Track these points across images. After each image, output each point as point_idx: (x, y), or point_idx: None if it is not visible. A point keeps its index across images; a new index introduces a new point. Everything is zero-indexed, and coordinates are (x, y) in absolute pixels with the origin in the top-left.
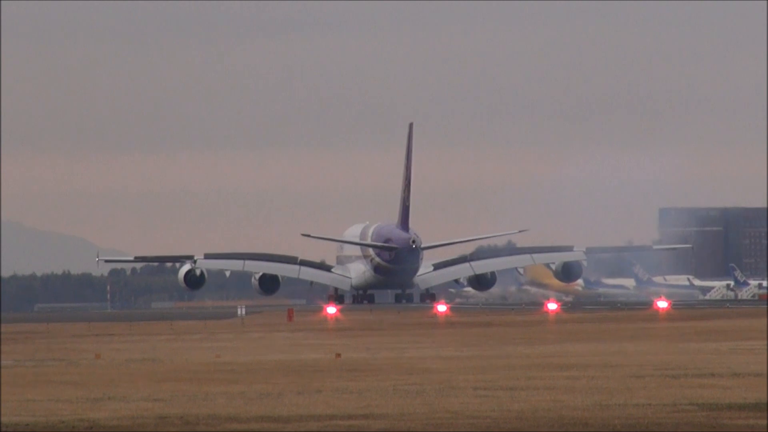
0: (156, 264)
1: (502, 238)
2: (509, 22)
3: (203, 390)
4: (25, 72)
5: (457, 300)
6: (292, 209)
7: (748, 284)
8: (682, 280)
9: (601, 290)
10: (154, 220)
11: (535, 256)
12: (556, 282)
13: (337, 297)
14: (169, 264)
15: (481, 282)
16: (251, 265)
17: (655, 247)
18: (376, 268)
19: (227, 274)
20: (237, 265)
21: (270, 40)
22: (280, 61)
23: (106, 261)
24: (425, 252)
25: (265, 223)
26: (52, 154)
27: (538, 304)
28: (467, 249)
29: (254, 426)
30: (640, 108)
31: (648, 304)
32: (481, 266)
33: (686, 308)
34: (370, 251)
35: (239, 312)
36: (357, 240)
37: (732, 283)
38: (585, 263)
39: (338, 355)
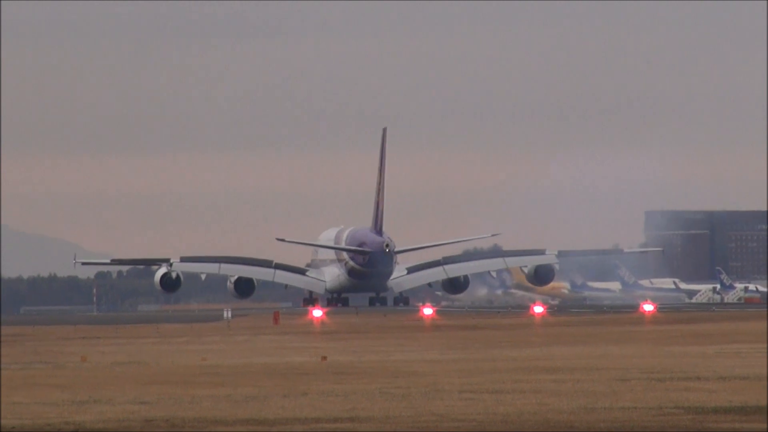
0: (141, 267)
1: (488, 242)
2: (486, 24)
3: (189, 393)
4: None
5: (443, 303)
6: (267, 213)
7: (734, 287)
8: (668, 283)
9: (587, 293)
10: (143, 223)
11: (507, 259)
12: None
13: (312, 300)
14: (141, 267)
15: (455, 285)
16: (227, 269)
17: (626, 250)
18: (351, 272)
19: (203, 277)
20: (213, 268)
21: (244, 44)
22: (254, 65)
23: (84, 263)
24: (400, 256)
25: (240, 227)
26: (38, 156)
27: (524, 307)
28: (444, 252)
29: (240, 429)
30: (625, 111)
31: (634, 308)
32: (455, 270)
33: (672, 311)
34: (345, 255)
35: (225, 315)
36: (332, 244)
37: (718, 286)
38: (557, 266)
39: (324, 358)
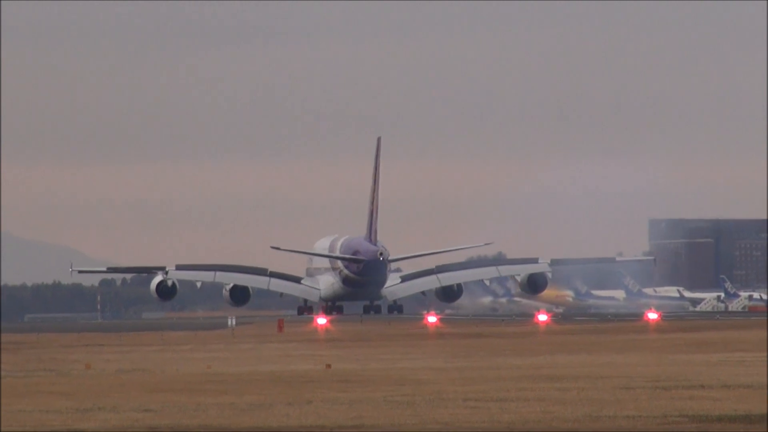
0: (144, 275)
1: (492, 251)
2: (484, 29)
3: (194, 401)
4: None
5: (447, 311)
6: (262, 221)
7: (738, 296)
8: (672, 291)
9: (591, 302)
10: (141, 230)
11: (500, 268)
12: (546, 293)
13: (307, 308)
14: (144, 274)
15: (448, 294)
16: (222, 277)
17: (618, 259)
18: (345, 280)
19: (198, 285)
20: (208, 276)
21: (238, 51)
22: (250, 73)
23: (80, 272)
24: (395, 264)
25: (235, 235)
26: (42, 163)
27: (529, 316)
28: (438, 261)
29: None
30: (629, 119)
31: (638, 316)
32: (448, 278)
33: (676, 320)
34: (339, 263)
35: (230, 323)
36: (326, 252)
37: (722, 294)
38: (550, 275)
39: (329, 365)
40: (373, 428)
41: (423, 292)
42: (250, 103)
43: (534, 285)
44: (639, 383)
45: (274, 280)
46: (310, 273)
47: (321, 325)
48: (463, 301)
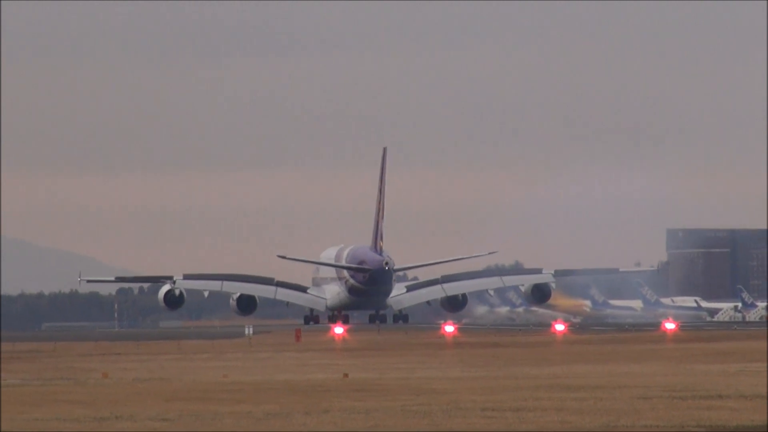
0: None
1: (509, 260)
2: (488, 40)
3: (211, 410)
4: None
5: (465, 320)
6: (269, 231)
7: (755, 306)
8: (689, 301)
9: (608, 311)
10: (152, 239)
11: (505, 278)
12: (563, 302)
13: (313, 317)
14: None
15: (453, 304)
16: (229, 286)
17: (621, 269)
18: (351, 290)
19: (206, 294)
20: (215, 285)
21: (244, 62)
22: (255, 83)
23: (88, 281)
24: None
25: (243, 245)
26: (58, 171)
27: (546, 325)
28: (443, 271)
29: None
30: (646, 129)
31: (656, 326)
32: (453, 288)
33: (694, 330)
34: (345, 273)
35: (247, 332)
36: (332, 262)
37: (740, 304)
38: (554, 285)
39: (346, 375)
40: None
41: (428, 302)
42: (257, 113)
43: (538, 295)
44: (656, 393)
45: (280, 290)
46: (317, 282)
47: (338, 334)
48: (480, 310)
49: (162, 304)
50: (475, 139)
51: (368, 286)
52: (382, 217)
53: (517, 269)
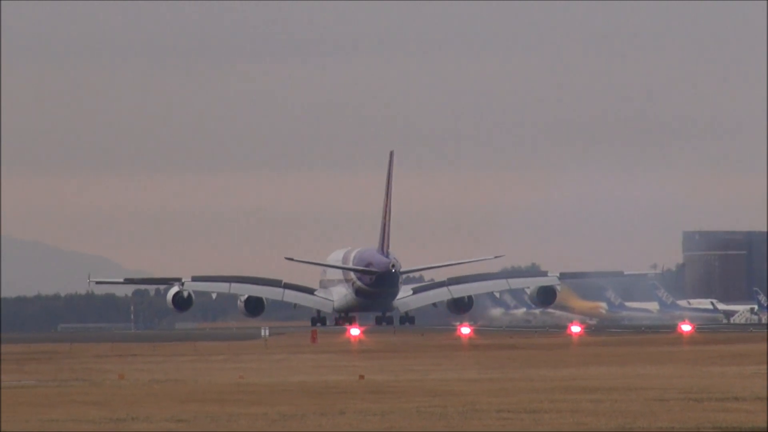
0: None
1: (526, 261)
2: (496, 44)
3: (226, 411)
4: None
5: (481, 322)
6: (277, 233)
7: None
8: (705, 303)
9: (624, 313)
10: (159, 241)
11: (510, 281)
12: (579, 304)
13: (320, 319)
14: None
15: (459, 306)
16: (237, 288)
17: (626, 272)
18: (358, 292)
19: (213, 296)
20: (223, 287)
21: (251, 65)
22: (262, 86)
23: (97, 282)
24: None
25: (251, 247)
26: (75, 173)
27: (562, 327)
28: (448, 273)
29: None
30: (661, 132)
31: (672, 328)
32: (459, 290)
33: (710, 332)
34: (352, 275)
35: (263, 333)
36: (339, 264)
37: (756, 307)
38: (559, 288)
39: (361, 376)
40: None
41: (434, 304)
42: (266, 116)
43: (543, 297)
44: (672, 395)
45: (288, 292)
46: (324, 284)
47: (354, 336)
48: (496, 312)
49: (170, 306)
50: (486, 143)
51: (375, 288)
52: (389, 220)
53: (522, 272)
